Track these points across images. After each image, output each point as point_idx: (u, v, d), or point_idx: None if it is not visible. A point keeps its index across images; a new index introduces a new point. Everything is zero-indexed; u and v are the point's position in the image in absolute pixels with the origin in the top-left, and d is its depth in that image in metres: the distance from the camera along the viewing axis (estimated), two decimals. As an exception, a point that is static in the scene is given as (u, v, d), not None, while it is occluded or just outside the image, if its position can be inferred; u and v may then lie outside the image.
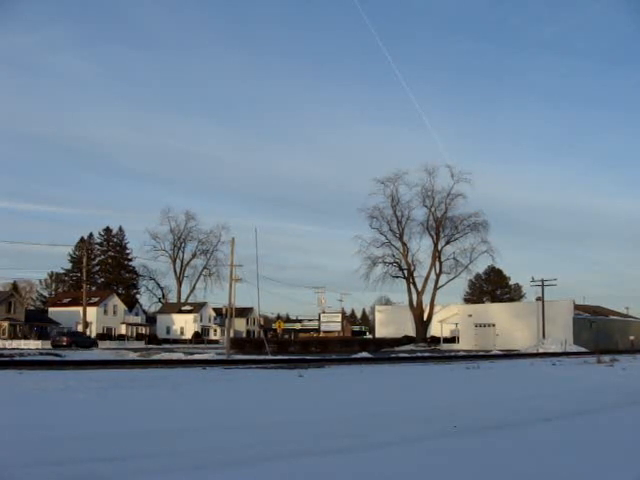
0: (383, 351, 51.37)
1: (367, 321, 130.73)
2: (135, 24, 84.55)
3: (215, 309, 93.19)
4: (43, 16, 78.42)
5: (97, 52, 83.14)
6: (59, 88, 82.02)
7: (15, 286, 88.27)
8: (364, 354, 37.79)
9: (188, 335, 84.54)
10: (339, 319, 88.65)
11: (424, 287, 62.59)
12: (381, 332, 72.72)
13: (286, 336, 76.93)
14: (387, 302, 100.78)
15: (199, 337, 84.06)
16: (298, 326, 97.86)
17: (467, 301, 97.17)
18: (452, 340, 65.38)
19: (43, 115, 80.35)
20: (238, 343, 52.03)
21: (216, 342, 79.83)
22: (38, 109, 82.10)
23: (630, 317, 79.41)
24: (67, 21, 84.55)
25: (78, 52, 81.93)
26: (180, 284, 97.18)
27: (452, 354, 36.27)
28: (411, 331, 64.10)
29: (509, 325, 63.11)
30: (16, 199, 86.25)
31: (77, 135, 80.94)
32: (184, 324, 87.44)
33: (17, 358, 25.10)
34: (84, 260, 64.16)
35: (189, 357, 29.18)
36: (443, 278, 62.82)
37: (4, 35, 70.26)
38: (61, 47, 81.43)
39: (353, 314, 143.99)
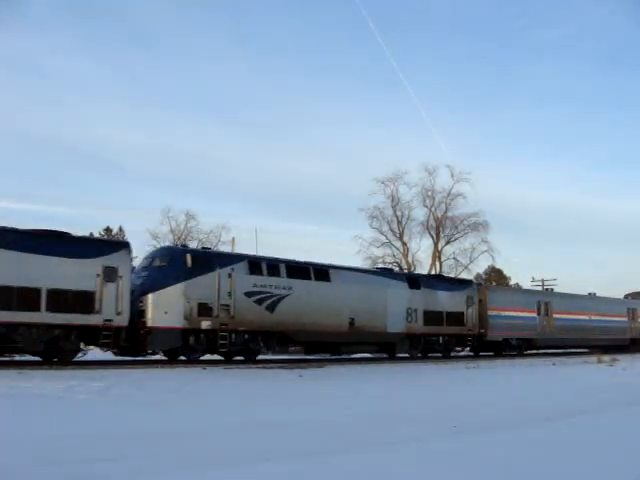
0: (383, 351, 50.97)
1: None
2: (137, 25, 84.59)
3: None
4: (48, 18, 78.47)
5: (98, 53, 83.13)
6: (60, 88, 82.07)
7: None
8: (365, 354, 37.64)
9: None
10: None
11: (424, 287, 62.35)
12: (381, 332, 72.33)
13: (286, 336, 76.46)
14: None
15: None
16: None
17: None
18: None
19: (43, 115, 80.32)
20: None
21: (216, 342, 79.56)
22: (39, 109, 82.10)
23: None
24: (72, 23, 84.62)
25: (80, 53, 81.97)
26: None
27: (452, 354, 36.17)
28: (411, 331, 63.76)
29: (509, 325, 62.82)
30: (16, 199, 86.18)
31: (77, 135, 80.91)
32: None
33: (17, 358, 25.09)
34: (84, 260, 64.00)
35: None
36: (443, 278, 62.72)
37: (10, 37, 70.20)
38: (62, 48, 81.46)
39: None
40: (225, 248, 50.65)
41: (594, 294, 41.57)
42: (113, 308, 18.86)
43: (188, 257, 21.31)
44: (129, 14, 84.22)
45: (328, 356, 27.68)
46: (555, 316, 35.44)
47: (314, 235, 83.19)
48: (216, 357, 23.06)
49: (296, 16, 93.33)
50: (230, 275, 21.70)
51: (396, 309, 26.63)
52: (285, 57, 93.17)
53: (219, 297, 21.22)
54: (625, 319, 41.58)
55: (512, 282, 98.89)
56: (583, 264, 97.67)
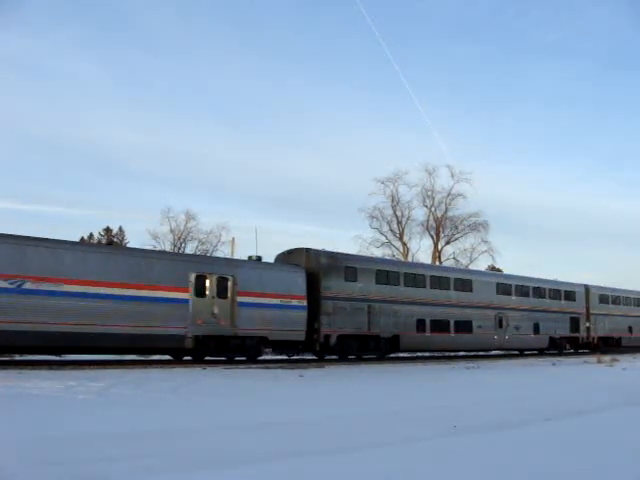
0: (382, 351, 50.47)
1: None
2: (137, 25, 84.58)
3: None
4: (49, 19, 78.42)
5: (98, 53, 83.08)
6: (61, 89, 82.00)
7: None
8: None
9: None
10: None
11: (423, 287, 62.19)
12: (379, 332, 71.91)
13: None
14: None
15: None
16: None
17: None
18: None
19: (44, 116, 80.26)
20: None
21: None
22: (38, 109, 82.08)
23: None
24: (72, 23, 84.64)
25: (80, 53, 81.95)
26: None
27: (452, 354, 36.14)
28: (409, 331, 63.43)
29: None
30: (16, 199, 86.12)
31: (78, 135, 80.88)
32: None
33: (17, 358, 25.12)
34: (84, 260, 63.85)
35: (189, 357, 29.22)
36: (443, 278, 62.59)
37: (10, 37, 70.22)
38: (62, 48, 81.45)
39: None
40: (225, 248, 50.48)
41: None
42: None
43: None
44: (129, 14, 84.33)
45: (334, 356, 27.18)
46: None
47: (314, 235, 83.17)
48: (215, 357, 23.07)
49: (297, 17, 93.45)
50: None
51: None
52: (285, 58, 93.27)
53: None
54: (187, 296, 20.55)
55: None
56: (583, 264, 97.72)
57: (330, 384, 15.92)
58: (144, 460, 6.07)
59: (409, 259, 58.33)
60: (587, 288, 39.41)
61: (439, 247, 61.68)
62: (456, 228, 61.18)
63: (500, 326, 31.97)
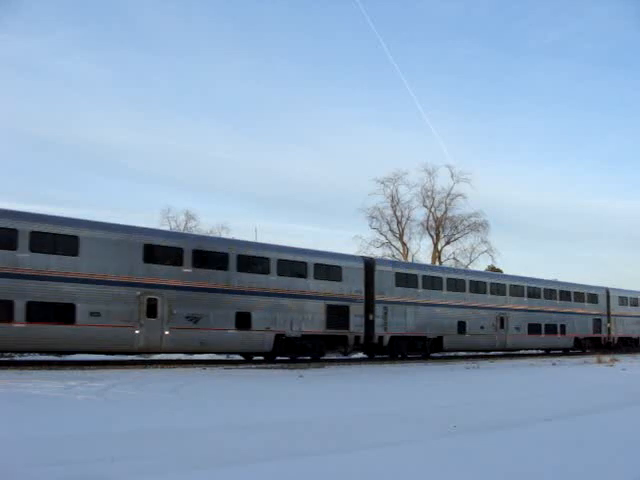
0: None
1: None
2: (137, 25, 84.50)
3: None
4: (49, 19, 78.34)
5: (98, 53, 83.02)
6: (62, 89, 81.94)
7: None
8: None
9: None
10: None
11: (423, 287, 62.06)
12: (380, 332, 71.35)
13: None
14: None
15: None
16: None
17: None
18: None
19: (44, 116, 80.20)
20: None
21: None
22: (39, 110, 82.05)
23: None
24: (72, 23, 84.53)
25: (80, 53, 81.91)
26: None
27: (452, 354, 36.10)
28: (409, 331, 63.06)
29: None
30: (16, 199, 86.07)
31: (78, 135, 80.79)
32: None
33: (17, 358, 25.11)
34: (84, 260, 63.76)
35: (189, 357, 29.24)
36: (442, 278, 62.49)
37: (10, 37, 70.21)
38: (62, 48, 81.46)
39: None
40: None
41: None
42: None
43: None
44: (130, 14, 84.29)
45: (328, 356, 26.94)
46: None
47: (314, 235, 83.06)
48: (215, 357, 23.10)
49: (297, 17, 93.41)
50: None
51: None
52: (286, 58, 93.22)
53: None
54: None
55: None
56: (583, 264, 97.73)
57: (330, 384, 15.92)
58: (144, 460, 6.07)
59: (409, 259, 58.33)
60: (369, 263, 26.56)
61: (439, 247, 61.68)
62: (456, 228, 61.19)
63: (152, 315, 19.64)
